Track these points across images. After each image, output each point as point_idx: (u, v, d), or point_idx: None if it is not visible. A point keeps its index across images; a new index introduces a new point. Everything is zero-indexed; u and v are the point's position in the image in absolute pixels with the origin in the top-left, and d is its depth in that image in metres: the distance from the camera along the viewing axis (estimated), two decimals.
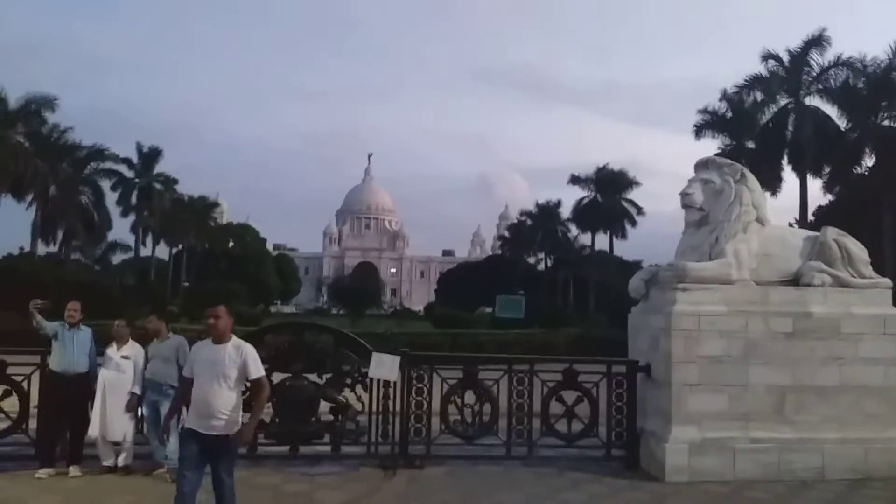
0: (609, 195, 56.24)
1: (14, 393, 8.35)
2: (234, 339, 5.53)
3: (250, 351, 5.53)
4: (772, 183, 33.79)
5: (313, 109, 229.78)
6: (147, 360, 7.89)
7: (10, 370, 8.35)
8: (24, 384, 8.35)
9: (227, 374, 5.35)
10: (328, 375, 8.64)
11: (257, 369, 5.52)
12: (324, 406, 8.63)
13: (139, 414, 8.01)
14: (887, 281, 9.06)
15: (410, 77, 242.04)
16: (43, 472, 7.58)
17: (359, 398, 8.57)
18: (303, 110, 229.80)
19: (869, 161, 33.49)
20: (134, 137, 62.67)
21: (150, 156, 54.90)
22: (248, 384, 5.68)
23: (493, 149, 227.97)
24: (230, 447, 5.42)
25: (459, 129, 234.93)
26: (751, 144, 36.57)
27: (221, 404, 5.31)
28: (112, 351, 8.03)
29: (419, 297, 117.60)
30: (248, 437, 5.47)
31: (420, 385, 8.58)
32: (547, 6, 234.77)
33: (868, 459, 8.19)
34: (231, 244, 74.33)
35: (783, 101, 35.56)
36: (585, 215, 57.78)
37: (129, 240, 57.89)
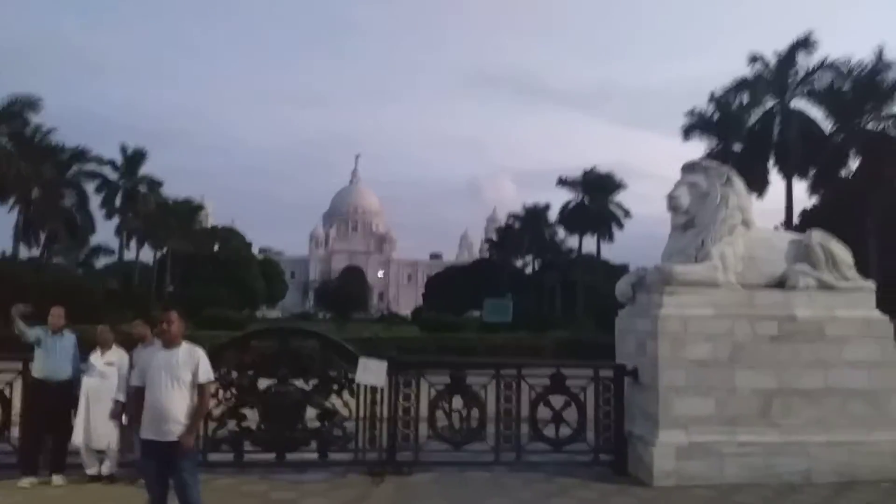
0: (596, 198, 56.50)
1: None
2: (185, 344, 5.57)
3: (203, 355, 5.59)
4: (758, 185, 34.06)
5: (301, 112, 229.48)
6: (132, 367, 7.80)
7: None
8: (6, 391, 8.25)
9: (182, 377, 5.39)
10: (315, 381, 8.58)
11: (206, 374, 5.58)
12: (310, 412, 8.56)
13: (123, 421, 7.91)
14: (871, 284, 9.12)
15: (401, 80, 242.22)
16: (26, 481, 7.49)
17: (346, 404, 8.51)
18: (290, 113, 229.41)
19: (854, 164, 33.85)
20: (121, 140, 62.24)
21: (135, 158, 54.38)
22: None
23: (482, 151, 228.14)
24: (188, 449, 5.43)
25: (449, 131, 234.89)
26: (737, 147, 36.85)
27: (178, 409, 5.34)
28: (96, 357, 7.94)
29: (406, 301, 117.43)
30: (191, 443, 5.47)
31: (407, 391, 8.53)
32: (539, 10, 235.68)
33: (854, 462, 8.24)
34: (216, 248, 73.91)
35: (769, 104, 35.87)
36: (573, 218, 58.00)
37: (113, 243, 57.42)
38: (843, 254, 9.08)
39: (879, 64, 32.17)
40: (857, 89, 32.63)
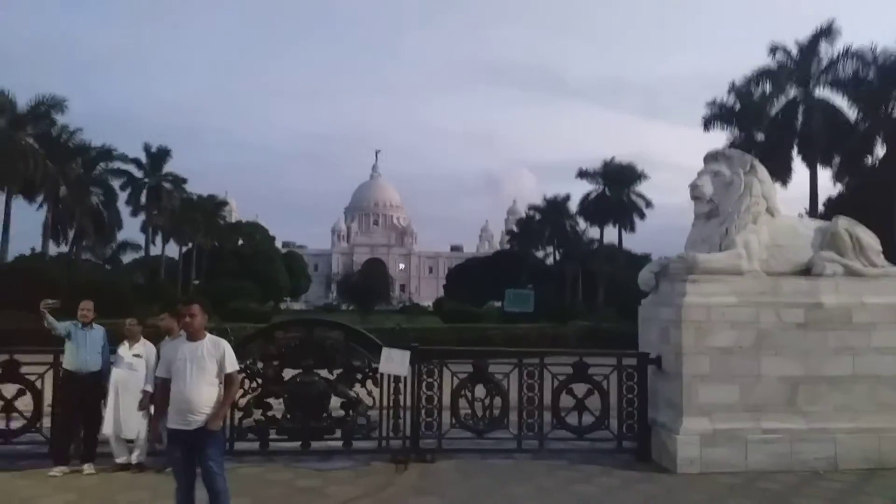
0: (617, 188, 56.10)
1: (28, 392, 8.40)
2: (209, 336, 5.63)
3: (227, 346, 5.64)
4: (781, 174, 33.62)
5: (320, 108, 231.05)
6: (159, 358, 7.91)
7: (23, 369, 8.41)
8: (38, 383, 8.41)
9: (207, 368, 5.45)
10: (339, 371, 8.66)
11: (232, 364, 5.63)
12: (335, 401, 8.65)
13: (151, 412, 8.04)
14: None
15: (419, 74, 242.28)
16: (57, 470, 7.65)
17: (369, 393, 8.59)
18: (309, 109, 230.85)
19: (880, 151, 33.26)
20: (138, 140, 62.83)
21: (159, 156, 55.14)
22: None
23: (500, 144, 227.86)
24: (214, 436, 5.48)
25: (467, 125, 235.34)
26: (760, 136, 36.38)
27: (203, 400, 5.39)
28: (124, 350, 8.08)
29: (428, 293, 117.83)
30: (217, 427, 5.50)
31: (430, 379, 8.59)
32: (555, 2, 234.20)
33: (881, 449, 8.16)
34: (240, 242, 74.57)
35: (792, 93, 35.34)
36: (593, 209, 57.67)
37: (140, 239, 58.33)
38: (870, 240, 8.97)
39: None
40: (882, 77, 31.97)
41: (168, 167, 56.16)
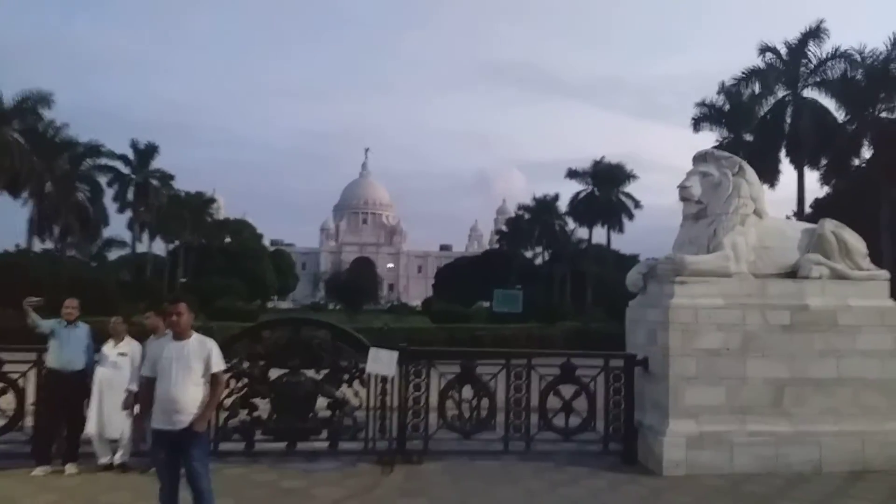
0: (606, 189, 56.19)
1: (10, 390, 8.31)
2: (196, 335, 5.57)
3: (214, 345, 5.59)
4: (769, 175, 33.80)
5: (309, 106, 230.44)
6: (144, 357, 7.84)
7: (6, 368, 8.33)
8: (21, 382, 8.32)
9: (193, 368, 5.40)
10: (325, 371, 8.62)
11: (218, 364, 5.58)
12: (321, 402, 8.60)
13: (135, 411, 7.97)
14: (885, 273, 9.06)
15: (410, 73, 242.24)
16: (39, 470, 7.57)
17: (356, 394, 8.56)
18: (299, 107, 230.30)
19: (867, 153, 33.49)
20: (127, 136, 62.53)
21: (146, 152, 54.65)
22: None
23: (491, 144, 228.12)
24: (199, 437, 5.44)
25: (458, 124, 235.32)
26: (749, 137, 36.56)
27: (189, 400, 5.34)
28: (108, 348, 8.00)
29: (416, 292, 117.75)
30: (202, 428, 5.47)
31: (418, 380, 8.57)
32: (548, 2, 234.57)
33: (866, 452, 8.21)
34: (228, 240, 74.13)
35: (781, 94, 35.51)
36: (583, 209, 57.72)
37: (126, 236, 57.76)
38: (857, 243, 9.02)
39: (893, 52, 31.72)
40: (870, 78, 32.12)
41: (156, 164, 55.73)
